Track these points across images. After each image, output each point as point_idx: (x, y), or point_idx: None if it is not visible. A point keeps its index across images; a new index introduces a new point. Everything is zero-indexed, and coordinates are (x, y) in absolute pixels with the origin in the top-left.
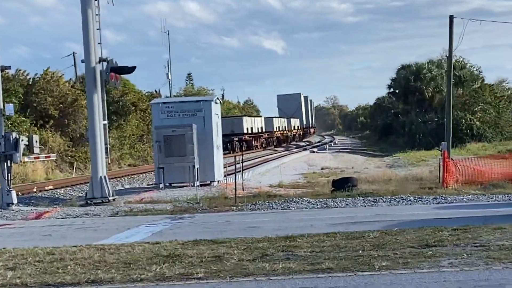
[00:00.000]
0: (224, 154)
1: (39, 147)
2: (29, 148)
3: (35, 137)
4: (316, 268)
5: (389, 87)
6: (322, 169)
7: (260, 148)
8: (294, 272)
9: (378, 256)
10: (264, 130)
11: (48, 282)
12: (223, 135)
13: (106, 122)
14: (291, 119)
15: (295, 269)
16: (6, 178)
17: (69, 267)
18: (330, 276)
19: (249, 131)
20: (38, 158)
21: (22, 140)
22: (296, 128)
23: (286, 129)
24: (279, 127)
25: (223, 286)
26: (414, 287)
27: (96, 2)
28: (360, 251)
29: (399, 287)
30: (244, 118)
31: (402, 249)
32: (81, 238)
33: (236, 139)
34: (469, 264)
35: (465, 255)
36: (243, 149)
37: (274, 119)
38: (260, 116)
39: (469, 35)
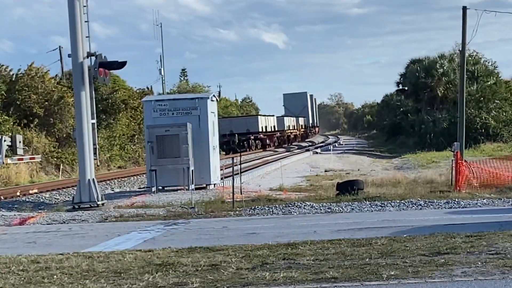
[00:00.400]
0: (242, 152)
1: (23, 148)
2: (12, 149)
3: (19, 137)
4: (320, 277)
5: (398, 83)
6: (326, 171)
7: (273, 146)
8: (297, 282)
9: (386, 264)
10: (276, 129)
11: None
12: (240, 134)
13: (94, 121)
14: (299, 118)
15: (298, 279)
16: None
17: (55, 276)
18: (335, 286)
19: (264, 130)
20: (21, 159)
21: (4, 140)
22: (304, 127)
23: (295, 128)
24: (289, 126)
25: None
26: None
27: None
28: (367, 259)
29: None
30: (259, 117)
31: (412, 257)
32: (68, 245)
33: (252, 137)
34: (484, 273)
35: (479, 263)
36: (258, 147)
37: (285, 118)
38: (273, 116)
39: (484, 28)
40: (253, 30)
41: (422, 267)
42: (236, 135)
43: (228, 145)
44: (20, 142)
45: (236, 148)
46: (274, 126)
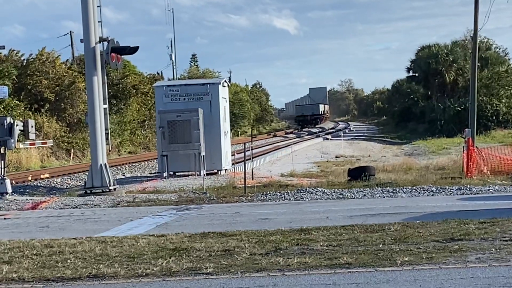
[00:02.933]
0: (310, 126)
1: (35, 133)
2: (24, 133)
3: (31, 122)
4: (334, 263)
5: (409, 70)
6: (336, 157)
7: (324, 122)
8: (311, 268)
9: (400, 250)
10: (323, 112)
11: (47, 276)
12: (309, 115)
13: (106, 106)
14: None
15: (311, 264)
16: (0, 166)
17: (69, 260)
18: (349, 271)
19: (321, 113)
20: (33, 144)
21: (17, 125)
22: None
23: (327, 112)
24: (327, 110)
25: (234, 282)
26: (440, 284)
27: None
28: (381, 245)
29: (423, 284)
30: (320, 105)
31: (426, 243)
32: (81, 230)
33: (318, 118)
34: (498, 260)
35: (493, 249)
36: (318, 123)
37: (325, 105)
38: (323, 104)
39: (495, 14)
40: (264, 16)
41: (436, 253)
42: (308, 116)
43: (302, 122)
44: (32, 127)
45: (307, 124)
46: (323, 111)
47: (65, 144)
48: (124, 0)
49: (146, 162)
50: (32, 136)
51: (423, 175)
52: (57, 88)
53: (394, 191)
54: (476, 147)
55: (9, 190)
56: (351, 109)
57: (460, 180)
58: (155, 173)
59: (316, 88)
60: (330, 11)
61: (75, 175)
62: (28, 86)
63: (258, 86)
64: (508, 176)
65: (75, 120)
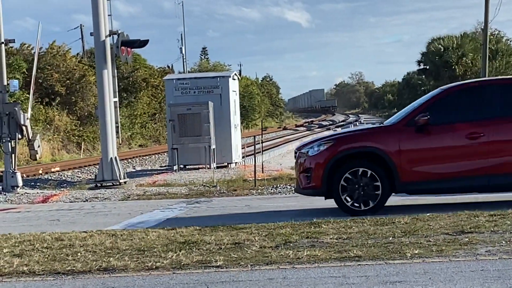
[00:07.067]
0: (329, 113)
1: (39, 148)
2: (29, 143)
3: (39, 141)
4: (344, 256)
5: (419, 62)
6: None
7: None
8: (320, 260)
9: (409, 243)
10: (336, 105)
11: (58, 269)
12: (331, 107)
13: (117, 99)
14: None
15: (321, 257)
16: (10, 159)
17: (79, 254)
18: (359, 264)
19: (336, 105)
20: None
21: (27, 118)
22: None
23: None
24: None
25: (244, 275)
26: (450, 276)
27: None
28: (390, 238)
29: (433, 277)
30: (335, 100)
31: (436, 235)
32: (91, 223)
33: (335, 108)
34: (509, 253)
35: (504, 242)
36: (335, 111)
37: (335, 100)
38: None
39: (506, 6)
40: (276, 9)
41: (446, 246)
42: (330, 107)
43: (326, 111)
44: (39, 146)
45: (328, 112)
46: (336, 104)
47: (76, 137)
48: None
49: (156, 155)
50: (36, 148)
51: None
52: (68, 81)
53: None
54: None
55: (20, 183)
56: (361, 102)
57: None
58: (165, 166)
59: (316, 90)
60: (341, 4)
61: (86, 168)
62: (39, 80)
63: (268, 79)
64: None
65: (86, 114)
